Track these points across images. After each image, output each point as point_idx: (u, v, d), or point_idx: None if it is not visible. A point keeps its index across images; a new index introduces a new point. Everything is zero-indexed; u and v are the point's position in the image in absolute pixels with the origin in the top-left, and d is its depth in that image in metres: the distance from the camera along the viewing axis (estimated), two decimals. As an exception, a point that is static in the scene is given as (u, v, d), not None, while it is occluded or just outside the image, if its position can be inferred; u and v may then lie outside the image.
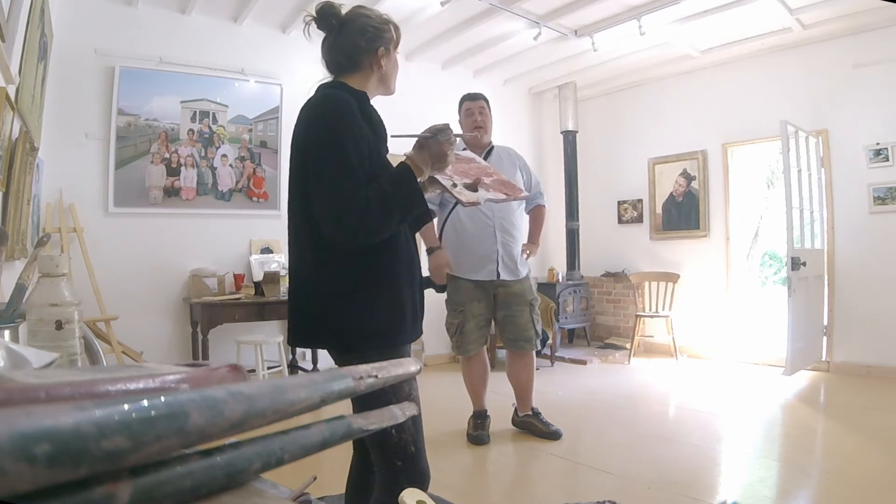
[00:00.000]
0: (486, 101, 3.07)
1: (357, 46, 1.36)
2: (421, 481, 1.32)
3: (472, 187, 1.34)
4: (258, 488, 0.33)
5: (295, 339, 1.35)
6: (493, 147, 3.07)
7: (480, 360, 3.08)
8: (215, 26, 4.22)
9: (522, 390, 3.15)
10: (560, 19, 4.35)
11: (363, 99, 1.36)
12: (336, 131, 1.27)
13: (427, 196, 1.35)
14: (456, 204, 2.84)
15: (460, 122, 3.09)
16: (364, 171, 1.26)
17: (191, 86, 4.08)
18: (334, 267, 1.30)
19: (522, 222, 3.09)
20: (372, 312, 1.29)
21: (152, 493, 0.26)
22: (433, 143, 1.28)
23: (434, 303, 5.17)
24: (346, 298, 1.28)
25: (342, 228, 1.24)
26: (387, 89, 1.44)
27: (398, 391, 1.21)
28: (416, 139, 1.33)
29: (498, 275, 2.95)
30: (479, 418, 3.10)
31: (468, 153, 1.52)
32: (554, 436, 3.05)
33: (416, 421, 1.34)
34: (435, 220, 2.97)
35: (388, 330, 1.32)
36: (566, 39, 4.65)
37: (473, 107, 3.03)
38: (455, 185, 1.33)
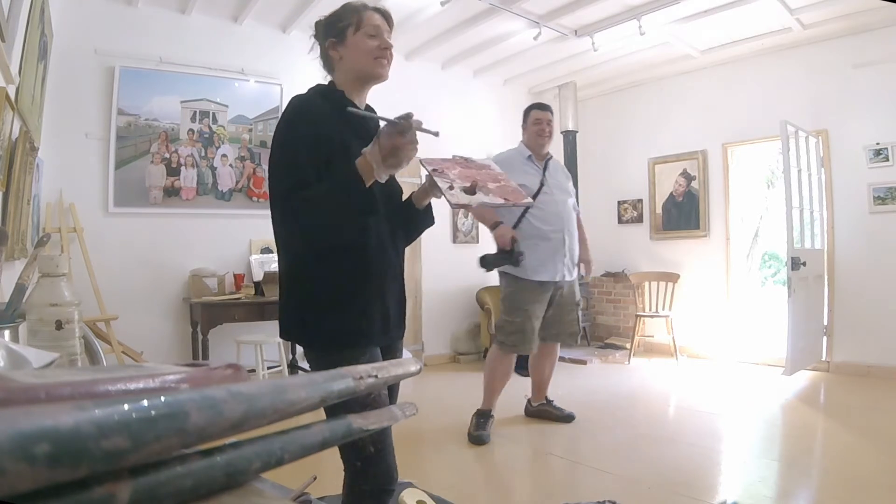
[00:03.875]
0: (552, 114, 3.19)
1: (320, 48, 1.40)
2: (384, 482, 1.30)
3: (470, 190, 1.34)
4: (258, 488, 0.33)
5: (281, 331, 1.40)
6: (551, 157, 3.18)
7: (512, 361, 3.15)
8: (215, 26, 4.22)
9: (545, 381, 3.34)
10: (560, 19, 4.35)
11: (339, 97, 1.34)
12: (286, 132, 1.27)
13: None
14: (526, 209, 2.95)
15: (524, 128, 3.19)
16: (314, 172, 1.23)
17: (191, 86, 4.07)
18: (299, 270, 1.32)
19: (575, 220, 3.15)
20: (333, 315, 1.30)
21: (152, 493, 0.26)
22: (384, 135, 1.16)
23: (434, 303, 5.20)
24: (308, 300, 1.31)
25: (284, 231, 1.28)
26: (365, 75, 1.37)
27: (357, 397, 1.15)
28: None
29: (563, 276, 3.05)
30: (484, 417, 3.10)
31: (486, 161, 1.53)
32: (568, 419, 3.25)
33: None
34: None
35: (351, 332, 1.31)
36: (566, 39, 4.65)
37: (543, 117, 3.14)
38: (452, 188, 1.33)
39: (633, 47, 4.83)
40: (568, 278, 3.08)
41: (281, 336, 1.41)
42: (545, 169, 3.11)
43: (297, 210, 1.22)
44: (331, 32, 1.36)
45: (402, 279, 1.46)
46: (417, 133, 1.17)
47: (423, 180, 1.48)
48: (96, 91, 3.75)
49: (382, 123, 1.18)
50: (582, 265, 3.19)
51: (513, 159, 3.07)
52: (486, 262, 2.68)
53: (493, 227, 2.81)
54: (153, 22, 3.95)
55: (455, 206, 1.33)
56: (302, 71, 4.35)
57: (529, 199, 1.51)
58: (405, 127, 1.15)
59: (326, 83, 1.41)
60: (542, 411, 3.34)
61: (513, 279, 3.02)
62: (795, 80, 4.64)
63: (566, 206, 3.08)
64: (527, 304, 3.01)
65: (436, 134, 1.20)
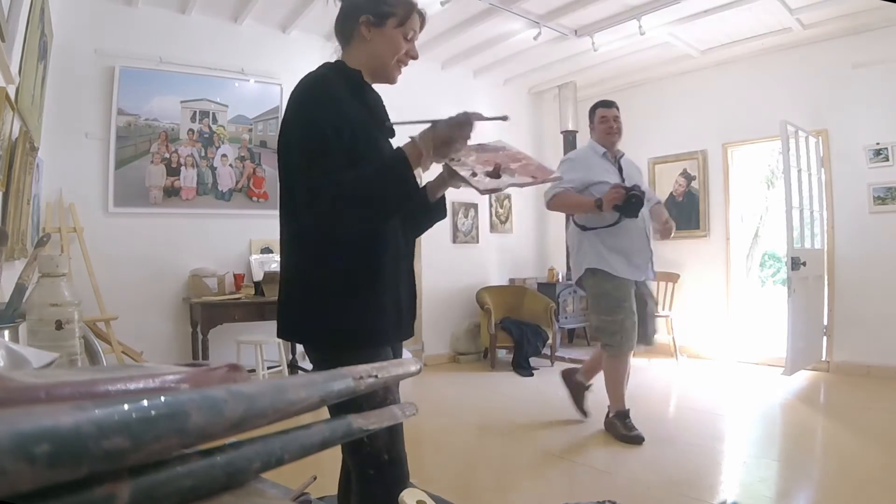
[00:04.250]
0: (618, 109, 3.14)
1: (346, 14, 1.28)
2: (397, 490, 1.28)
3: (494, 174, 1.27)
4: (258, 488, 0.33)
5: (279, 330, 1.31)
6: (622, 154, 3.15)
7: (627, 359, 3.11)
8: (215, 26, 4.22)
9: (621, 387, 3.23)
10: (560, 19, 4.35)
11: (355, 77, 1.27)
12: (309, 109, 1.18)
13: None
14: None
15: (592, 128, 3.16)
16: (344, 152, 1.15)
17: (191, 86, 4.08)
18: (308, 265, 1.24)
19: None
20: (344, 313, 1.22)
21: (152, 493, 0.26)
22: (442, 125, 1.17)
23: (434, 303, 5.19)
24: (318, 297, 1.23)
25: (314, 215, 1.15)
26: (382, 72, 1.30)
27: (370, 398, 1.10)
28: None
29: (647, 276, 3.06)
30: (627, 417, 3.04)
31: (500, 143, 1.46)
32: (636, 439, 2.97)
33: (392, 429, 1.20)
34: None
35: (363, 330, 1.23)
36: (566, 39, 4.65)
37: (608, 114, 3.09)
38: (475, 175, 1.26)
39: (633, 47, 4.82)
40: (648, 277, 3.08)
41: (281, 335, 1.32)
42: (620, 168, 3.09)
43: (332, 194, 1.11)
44: (372, 9, 1.25)
45: (413, 273, 1.40)
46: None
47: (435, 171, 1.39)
48: (96, 91, 3.75)
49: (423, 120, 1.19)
50: (664, 226, 3.04)
51: (589, 158, 3.07)
52: (633, 208, 2.76)
53: (599, 204, 2.82)
54: (153, 22, 3.95)
55: (485, 192, 1.25)
56: (302, 71, 4.33)
57: (557, 174, 1.40)
58: (466, 120, 1.17)
59: (333, 62, 1.31)
60: (609, 424, 3.12)
61: (606, 277, 2.96)
62: (795, 80, 4.64)
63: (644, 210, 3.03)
64: (625, 301, 2.96)
65: (504, 118, 1.25)
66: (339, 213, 1.14)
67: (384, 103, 1.35)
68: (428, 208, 1.41)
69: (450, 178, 1.32)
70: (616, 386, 3.09)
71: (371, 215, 1.18)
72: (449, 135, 1.16)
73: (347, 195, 1.12)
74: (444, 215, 1.45)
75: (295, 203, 1.19)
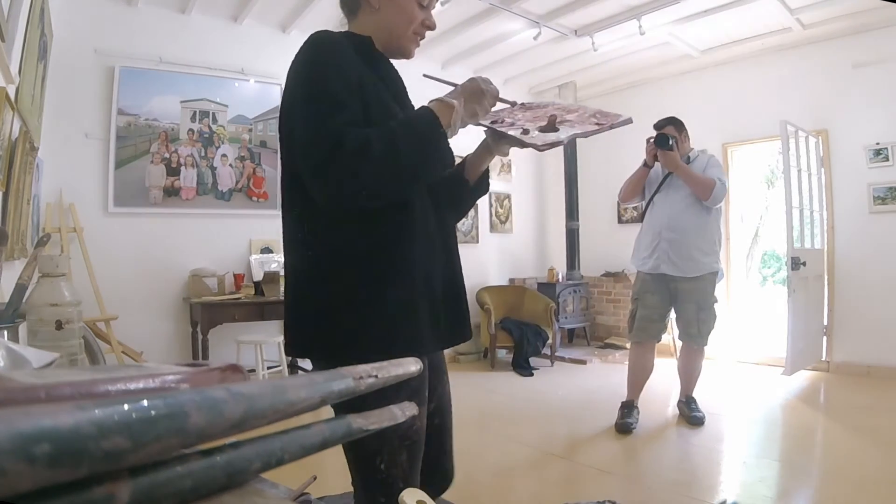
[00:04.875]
0: (674, 126, 3.24)
1: None
2: None
3: (550, 128, 1.12)
4: (258, 488, 0.33)
5: (286, 346, 1.13)
6: (688, 158, 3.24)
7: (644, 351, 3.22)
8: (215, 26, 4.22)
9: (682, 379, 3.34)
10: (560, 19, 4.35)
11: (365, 42, 1.11)
12: (316, 66, 1.02)
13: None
14: (651, 198, 3.16)
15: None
16: (358, 109, 0.98)
17: (191, 86, 4.07)
18: (316, 261, 1.05)
19: (702, 223, 3.09)
20: (362, 319, 1.02)
21: (152, 493, 0.26)
22: (471, 81, 1.07)
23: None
24: (333, 303, 1.03)
25: (331, 180, 0.94)
26: (395, 45, 1.14)
27: (398, 426, 0.97)
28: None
29: (668, 271, 3.10)
30: (626, 408, 3.21)
31: (546, 100, 1.32)
32: (693, 421, 3.18)
33: (411, 454, 1.06)
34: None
35: (386, 339, 1.03)
36: (566, 39, 4.65)
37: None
38: (527, 132, 1.11)
39: (633, 47, 4.83)
40: (673, 273, 3.09)
41: (291, 353, 1.11)
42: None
43: (360, 148, 0.93)
44: None
45: (455, 263, 1.20)
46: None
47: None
48: (96, 91, 3.74)
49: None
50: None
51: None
52: (660, 140, 3.06)
53: (644, 163, 3.19)
54: (153, 22, 3.95)
55: (543, 148, 1.09)
56: (302, 71, 4.36)
57: (627, 116, 1.20)
58: (493, 87, 1.09)
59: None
60: (679, 408, 3.37)
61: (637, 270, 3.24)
62: (795, 80, 4.64)
63: (674, 206, 3.10)
64: (638, 294, 3.21)
65: (513, 104, 1.18)
66: (367, 173, 0.94)
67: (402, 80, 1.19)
68: (465, 187, 1.25)
69: (495, 144, 1.17)
70: (628, 372, 3.30)
71: (402, 174, 0.98)
72: (476, 86, 1.06)
73: (375, 147, 0.93)
74: (486, 190, 1.30)
75: (298, 185, 1.02)
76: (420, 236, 1.08)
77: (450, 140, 1.04)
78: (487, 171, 1.27)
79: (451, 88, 1.10)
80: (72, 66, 3.56)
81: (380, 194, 0.99)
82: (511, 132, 1.11)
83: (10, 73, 1.94)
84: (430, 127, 1.00)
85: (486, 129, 1.16)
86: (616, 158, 5.89)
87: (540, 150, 1.12)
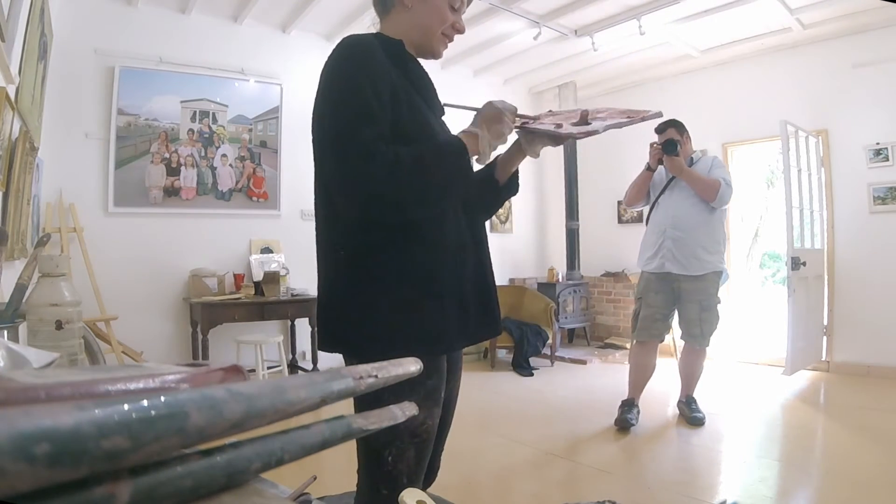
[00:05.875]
0: (675, 128, 3.25)
1: None
2: None
3: (583, 122, 1.15)
4: (258, 488, 0.33)
5: (319, 341, 1.16)
6: (692, 160, 3.27)
7: (646, 351, 3.24)
8: (215, 26, 4.22)
9: (683, 379, 3.35)
10: (560, 19, 4.35)
11: (396, 45, 1.13)
12: (348, 74, 1.03)
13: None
14: (660, 196, 3.21)
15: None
16: (387, 122, 1.01)
17: (191, 86, 4.07)
18: (348, 262, 1.08)
19: (707, 222, 3.11)
20: (392, 318, 1.05)
21: (152, 493, 0.26)
22: (488, 105, 1.12)
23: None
24: (360, 300, 1.07)
25: (356, 199, 0.98)
26: (426, 44, 1.18)
27: (411, 420, 1.01)
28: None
29: (671, 269, 3.13)
30: (627, 406, 3.24)
31: (570, 107, 1.40)
32: (693, 421, 3.19)
33: (419, 451, 1.10)
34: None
35: (423, 336, 1.07)
36: (566, 39, 4.65)
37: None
38: (560, 127, 1.15)
39: (633, 47, 4.83)
40: (677, 271, 3.09)
41: (321, 347, 1.14)
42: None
43: (392, 162, 0.96)
44: None
45: (485, 263, 1.20)
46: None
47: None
48: (96, 91, 3.74)
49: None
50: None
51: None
52: (668, 146, 3.12)
53: (647, 166, 3.25)
54: (153, 22, 3.95)
55: (580, 136, 1.13)
56: (302, 71, 4.36)
57: (656, 111, 1.27)
58: (512, 109, 1.14)
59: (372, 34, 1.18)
60: (679, 408, 3.38)
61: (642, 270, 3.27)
62: (795, 80, 4.64)
63: (679, 205, 3.12)
64: (641, 293, 3.25)
65: (534, 118, 1.21)
66: (397, 187, 0.98)
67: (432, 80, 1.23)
68: (495, 189, 1.29)
69: (528, 144, 1.20)
70: (629, 370, 3.34)
71: (430, 196, 1.03)
72: (497, 108, 1.11)
73: (406, 165, 0.98)
74: (516, 190, 1.33)
75: (325, 198, 1.08)
76: (450, 234, 1.12)
77: (487, 161, 1.12)
78: (517, 172, 1.31)
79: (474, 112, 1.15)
80: (72, 66, 3.56)
81: (405, 215, 1.04)
82: (545, 127, 1.16)
83: (10, 73, 1.94)
84: (459, 156, 1.05)
85: (517, 129, 1.19)
86: (616, 158, 5.89)
87: (577, 139, 1.16)
